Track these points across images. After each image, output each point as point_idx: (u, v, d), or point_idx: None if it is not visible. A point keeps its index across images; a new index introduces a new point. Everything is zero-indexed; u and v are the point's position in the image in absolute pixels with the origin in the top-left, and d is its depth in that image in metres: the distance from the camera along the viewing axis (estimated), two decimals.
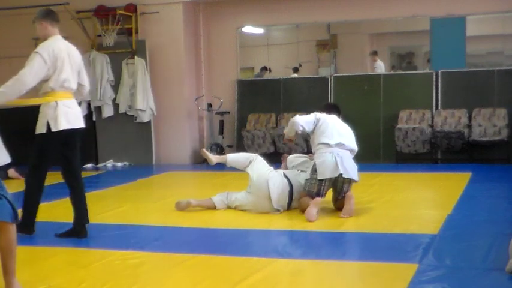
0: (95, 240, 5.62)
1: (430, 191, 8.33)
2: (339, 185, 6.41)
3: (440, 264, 4.47)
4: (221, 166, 7.12)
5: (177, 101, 11.61)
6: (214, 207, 6.77)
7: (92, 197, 7.85)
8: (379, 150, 11.01)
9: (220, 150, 11.26)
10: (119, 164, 11.52)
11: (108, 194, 8.43)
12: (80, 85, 5.78)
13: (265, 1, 11.69)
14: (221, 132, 11.68)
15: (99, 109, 11.54)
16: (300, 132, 6.70)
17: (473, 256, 4.69)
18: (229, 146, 11.64)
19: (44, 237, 5.68)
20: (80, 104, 11.14)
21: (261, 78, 12.33)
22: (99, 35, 11.53)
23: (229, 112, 11.75)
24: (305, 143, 10.33)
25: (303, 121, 6.62)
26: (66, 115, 5.54)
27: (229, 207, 6.79)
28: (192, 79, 11.84)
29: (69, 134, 5.57)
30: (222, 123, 11.68)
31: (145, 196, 8.15)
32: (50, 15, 5.66)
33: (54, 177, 6.32)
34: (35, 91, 5.60)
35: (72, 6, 10.98)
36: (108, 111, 11.49)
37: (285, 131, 6.96)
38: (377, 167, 10.16)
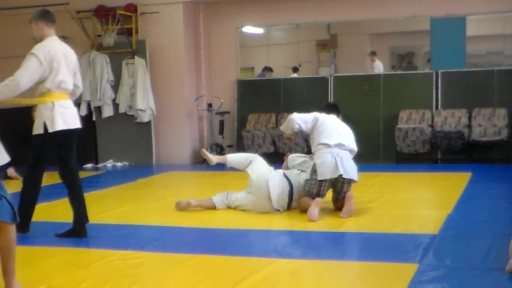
0: (95, 240, 5.61)
1: (430, 191, 8.33)
2: (339, 186, 6.41)
3: (440, 264, 4.47)
4: (221, 166, 7.12)
5: (177, 101, 11.61)
6: (214, 207, 6.77)
7: (92, 197, 7.86)
8: (379, 150, 11.01)
9: (220, 150, 11.26)
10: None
11: (108, 194, 8.43)
12: (74, 86, 5.78)
13: (265, 1, 11.69)
14: (221, 132, 11.68)
15: (99, 109, 11.54)
16: (296, 130, 6.69)
17: (473, 256, 4.68)
18: (229, 146, 11.64)
19: (43, 237, 5.68)
20: (79, 104, 11.36)
21: (261, 78, 12.33)
22: (99, 35, 11.53)
23: (229, 112, 11.75)
24: (305, 143, 10.33)
25: (299, 119, 6.62)
26: (63, 116, 5.54)
27: (229, 207, 6.79)
28: (192, 79, 11.84)
29: (65, 135, 5.58)
30: (222, 123, 11.68)
31: (145, 196, 8.15)
32: (46, 15, 5.65)
33: (54, 177, 6.32)
34: (32, 92, 5.61)
35: (72, 6, 10.99)
36: (108, 111, 11.49)
37: (282, 127, 6.96)
38: (377, 167, 10.16)
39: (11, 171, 9.25)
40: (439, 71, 10.86)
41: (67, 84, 5.62)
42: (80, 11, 11.37)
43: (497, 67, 10.82)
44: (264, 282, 4.25)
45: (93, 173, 10.64)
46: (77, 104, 11.37)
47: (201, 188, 9.17)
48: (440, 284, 4.02)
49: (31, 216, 5.69)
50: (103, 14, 11.39)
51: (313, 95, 11.27)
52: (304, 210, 6.27)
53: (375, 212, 6.53)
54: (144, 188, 9.06)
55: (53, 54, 5.50)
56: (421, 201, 7.41)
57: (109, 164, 11.53)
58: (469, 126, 10.49)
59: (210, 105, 11.87)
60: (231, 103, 11.91)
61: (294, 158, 7.06)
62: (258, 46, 12.55)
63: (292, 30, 12.28)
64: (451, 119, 10.66)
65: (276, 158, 9.56)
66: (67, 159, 5.67)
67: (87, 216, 5.75)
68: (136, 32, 11.52)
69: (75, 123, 5.69)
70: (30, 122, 5.72)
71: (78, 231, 5.65)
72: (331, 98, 11.18)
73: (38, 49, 5.48)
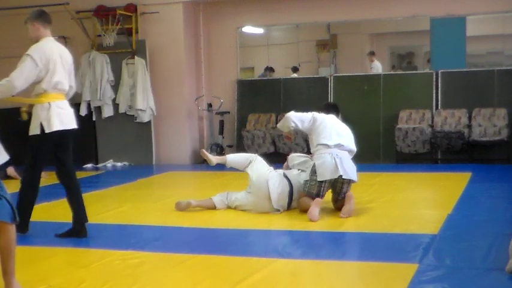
0: (95, 240, 5.62)
1: (430, 191, 8.32)
2: (339, 186, 6.41)
3: (440, 264, 4.47)
4: (221, 166, 7.12)
5: (177, 101, 11.61)
6: (214, 207, 6.77)
7: (92, 197, 7.86)
8: (379, 150, 11.01)
9: (220, 150, 11.26)
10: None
11: (108, 194, 8.43)
12: (69, 86, 5.78)
13: (265, 1, 11.69)
14: (221, 132, 11.68)
15: (99, 109, 11.54)
16: (292, 128, 6.69)
17: (473, 256, 4.68)
18: (229, 146, 11.64)
19: (43, 237, 5.68)
20: (79, 104, 11.36)
21: (261, 78, 12.34)
22: (99, 35, 11.53)
23: (229, 112, 11.75)
24: (305, 143, 10.33)
25: (295, 118, 6.63)
26: (59, 116, 5.54)
27: (229, 207, 6.79)
28: (192, 79, 11.84)
29: (62, 135, 5.58)
30: (222, 123, 11.68)
31: (145, 196, 8.15)
32: (42, 16, 5.65)
33: (53, 177, 6.31)
34: (28, 92, 5.61)
35: (72, 6, 10.99)
36: (108, 111, 11.49)
37: (278, 125, 6.97)
38: (377, 167, 10.16)
39: (10, 170, 9.26)
40: (439, 71, 10.86)
41: (63, 85, 5.62)
42: (80, 11, 11.37)
43: (497, 67, 10.82)
44: (264, 282, 4.25)
45: (93, 173, 10.65)
46: (77, 104, 11.48)
47: (201, 188, 9.17)
48: (440, 284, 4.02)
49: (30, 216, 5.69)
50: (103, 14, 11.39)
51: (313, 95, 11.26)
52: (304, 211, 6.27)
53: (375, 212, 6.53)
54: (144, 188, 9.06)
55: (49, 55, 5.50)
56: (421, 201, 7.41)
57: (109, 164, 11.53)
58: (469, 126, 10.49)
59: (210, 105, 11.87)
60: (231, 103, 11.91)
61: (294, 158, 7.06)
62: (258, 46, 12.55)
63: (292, 30, 12.29)
64: (451, 119, 10.66)
65: (276, 158, 9.57)
66: (63, 160, 5.67)
67: (86, 216, 5.75)
68: (136, 32, 11.52)
69: (72, 124, 5.69)
70: (28, 122, 5.71)
71: (78, 231, 5.65)
72: (331, 98, 11.18)
73: (34, 50, 5.48)
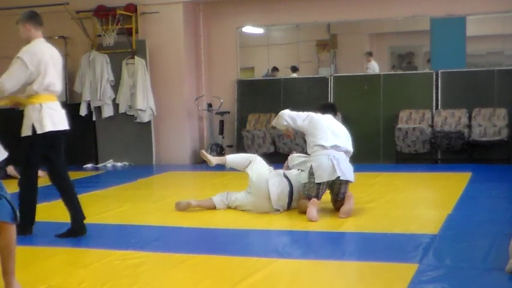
0: (95, 240, 5.62)
1: (430, 191, 8.33)
2: (337, 187, 6.41)
3: (440, 264, 4.47)
4: (221, 166, 7.12)
5: (177, 101, 11.61)
6: (214, 208, 6.77)
7: (92, 197, 7.88)
8: (379, 150, 11.01)
9: (220, 150, 11.26)
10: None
11: (108, 194, 8.43)
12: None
13: (265, 1, 11.69)
14: (221, 132, 11.68)
15: (99, 109, 11.54)
16: (285, 126, 6.70)
17: (473, 256, 4.69)
18: (229, 146, 11.64)
19: (43, 237, 5.68)
20: (79, 104, 11.35)
21: (261, 78, 12.34)
22: (99, 35, 11.52)
23: (229, 112, 11.75)
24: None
25: (288, 116, 6.65)
26: (51, 117, 5.55)
27: (229, 207, 6.79)
28: (192, 79, 11.84)
29: (54, 136, 5.59)
30: (222, 123, 11.68)
31: (145, 196, 8.15)
32: (34, 17, 5.65)
33: None
34: (20, 93, 5.62)
35: (72, 6, 10.99)
36: (108, 111, 11.49)
37: (273, 122, 6.98)
38: (377, 167, 10.16)
39: (10, 169, 9.25)
40: (439, 71, 10.86)
41: (55, 86, 5.63)
42: (80, 11, 11.37)
43: (497, 67, 10.82)
44: (264, 282, 4.25)
45: (93, 173, 10.65)
46: (77, 104, 11.49)
47: (201, 188, 9.18)
48: (440, 284, 4.02)
49: (34, 217, 5.70)
50: (103, 14, 11.39)
51: (313, 95, 11.26)
52: (303, 212, 6.27)
53: (375, 212, 6.53)
54: (144, 188, 9.06)
55: (40, 57, 5.51)
56: (421, 201, 7.41)
57: (109, 164, 11.53)
58: (469, 126, 10.49)
59: (210, 105, 11.87)
60: (231, 103, 11.91)
61: (294, 158, 7.06)
62: (258, 46, 12.56)
63: (292, 30, 12.29)
64: (451, 119, 10.66)
65: (276, 158, 9.57)
66: (55, 161, 5.67)
67: (83, 214, 5.74)
68: (136, 32, 11.52)
69: (63, 125, 5.70)
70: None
71: (77, 230, 5.66)
72: (331, 98, 11.18)
73: (24, 53, 5.50)
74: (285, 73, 12.29)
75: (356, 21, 11.65)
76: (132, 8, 11.46)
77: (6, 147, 4.03)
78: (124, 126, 11.59)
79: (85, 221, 5.76)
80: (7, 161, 4.07)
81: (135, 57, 11.37)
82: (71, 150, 10.69)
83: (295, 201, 6.56)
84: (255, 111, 11.73)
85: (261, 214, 6.47)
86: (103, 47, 11.43)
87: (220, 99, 11.59)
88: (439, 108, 10.82)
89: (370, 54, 12.16)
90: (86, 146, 11.67)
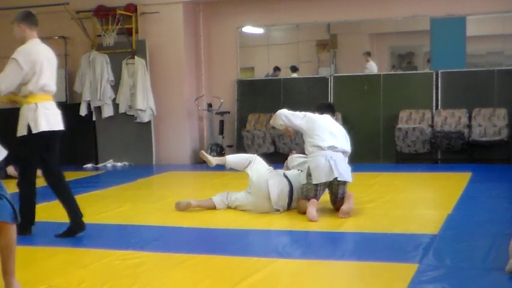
0: (95, 240, 5.62)
1: (430, 191, 8.33)
2: (335, 188, 6.40)
3: (440, 264, 4.47)
4: (221, 166, 7.12)
5: (177, 101, 11.61)
6: (214, 208, 6.77)
7: (92, 197, 7.88)
8: (379, 150, 11.01)
9: (220, 150, 11.26)
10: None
11: (108, 194, 8.43)
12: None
13: (265, 1, 11.69)
14: (221, 132, 11.68)
15: (99, 109, 11.54)
16: (281, 124, 6.70)
17: (473, 256, 4.69)
18: (229, 146, 11.64)
19: (43, 237, 5.68)
20: (80, 104, 11.35)
21: (261, 78, 12.33)
22: (99, 35, 11.52)
23: (229, 112, 11.75)
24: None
25: (284, 116, 6.66)
26: (46, 116, 5.56)
27: (229, 207, 6.79)
28: (192, 79, 11.84)
29: (49, 136, 5.59)
30: (222, 123, 11.68)
31: (145, 196, 8.15)
32: (28, 18, 5.66)
33: None
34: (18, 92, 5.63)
35: (72, 6, 10.99)
36: (108, 111, 11.49)
37: (271, 121, 6.99)
38: (377, 167, 10.16)
39: (10, 169, 9.25)
40: (439, 71, 10.86)
41: (50, 87, 5.64)
42: (80, 11, 11.37)
43: (497, 67, 10.82)
44: (264, 282, 4.25)
45: (93, 173, 10.65)
46: (77, 104, 11.50)
47: (201, 188, 9.18)
48: (440, 284, 4.02)
49: (34, 217, 5.70)
50: (103, 14, 11.39)
51: (313, 95, 11.26)
52: (302, 213, 6.27)
53: (375, 212, 6.53)
54: (144, 188, 9.06)
55: (35, 57, 5.52)
56: (421, 201, 7.41)
57: (109, 164, 11.53)
58: (469, 126, 10.49)
59: (210, 105, 11.87)
60: (231, 103, 11.91)
61: (294, 159, 7.06)
62: (258, 46, 12.56)
63: (292, 30, 12.29)
64: (451, 119, 10.66)
65: (276, 158, 9.57)
66: (48, 161, 5.67)
67: (80, 211, 5.74)
68: (136, 32, 11.52)
69: (59, 125, 5.69)
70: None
71: (76, 228, 5.66)
72: (331, 98, 11.18)
73: (19, 54, 5.51)
74: (285, 73, 12.30)
75: (356, 21, 11.66)
76: (132, 8, 11.46)
77: (6, 147, 4.03)
78: (124, 126, 11.59)
79: (85, 221, 5.75)
80: (7, 161, 4.07)
81: (135, 57, 11.37)
82: (71, 150, 10.88)
83: (295, 201, 6.56)
84: (255, 111, 11.73)
85: (261, 214, 6.47)
86: (103, 47, 11.43)
87: (220, 99, 11.59)
88: (439, 108, 10.83)
89: (368, 54, 12.16)
90: (86, 146, 11.67)
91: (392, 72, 11.91)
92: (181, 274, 4.58)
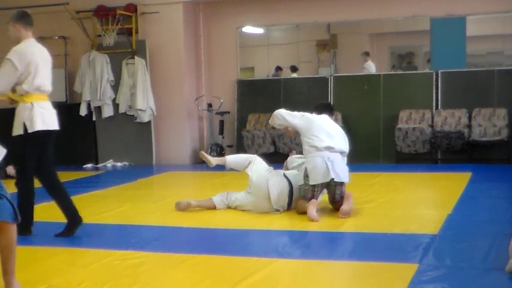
0: (95, 240, 5.62)
1: (430, 191, 8.33)
2: (332, 189, 6.40)
3: (440, 264, 4.47)
4: (221, 166, 7.12)
5: (177, 101, 11.61)
6: (214, 207, 6.77)
7: (92, 197, 7.88)
8: (379, 150, 11.01)
9: (220, 150, 11.26)
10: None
11: (108, 194, 8.43)
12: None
13: (265, 1, 11.69)
14: (221, 132, 11.68)
15: (99, 109, 11.54)
16: (279, 124, 6.71)
17: (473, 256, 4.69)
18: (229, 146, 11.65)
19: (43, 237, 5.68)
20: (80, 104, 11.35)
21: (261, 78, 12.33)
22: (99, 35, 11.53)
23: (229, 112, 11.75)
24: None
25: (281, 116, 6.67)
26: (42, 116, 5.56)
27: (229, 207, 6.79)
28: (192, 79, 11.84)
29: (45, 135, 5.59)
30: (222, 123, 11.68)
31: (145, 196, 8.15)
32: (24, 17, 5.67)
33: None
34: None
35: (72, 6, 11.00)
36: (108, 111, 11.49)
37: (270, 121, 6.99)
38: (377, 167, 10.16)
39: (10, 169, 9.24)
40: (439, 71, 10.86)
41: (45, 87, 5.64)
42: (80, 11, 11.37)
43: (497, 67, 10.82)
44: (264, 282, 4.25)
45: (93, 173, 10.65)
46: (77, 104, 11.50)
47: (201, 188, 9.18)
48: (440, 284, 4.02)
49: (32, 217, 5.70)
50: (103, 14, 11.39)
51: (313, 95, 11.26)
52: (301, 213, 6.27)
53: (375, 212, 6.52)
54: (144, 188, 9.06)
55: (30, 58, 5.52)
56: (421, 201, 7.41)
57: (109, 164, 11.53)
58: (469, 126, 10.49)
59: (210, 105, 11.87)
60: (231, 103, 11.91)
61: (293, 160, 7.06)
62: (258, 46, 12.56)
63: (292, 30, 12.29)
64: (451, 119, 10.66)
65: (276, 158, 9.58)
66: (42, 159, 5.67)
67: (75, 207, 5.74)
68: (136, 32, 11.52)
69: (54, 125, 5.69)
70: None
71: (73, 224, 5.66)
72: (331, 98, 11.18)
73: (13, 54, 5.52)
74: (285, 73, 12.30)
75: (356, 21, 11.66)
76: (132, 8, 11.46)
77: (5, 147, 4.03)
78: (124, 126, 11.59)
79: (85, 221, 5.76)
80: (6, 161, 4.07)
81: (135, 57, 11.38)
82: (71, 150, 10.88)
83: (295, 201, 6.56)
84: (255, 111, 11.73)
85: (261, 214, 6.47)
86: (103, 47, 11.43)
87: (220, 99, 11.59)
88: (439, 108, 10.83)
89: (367, 54, 12.16)
90: (86, 146, 11.67)
91: (392, 72, 11.91)
92: (181, 274, 4.58)
